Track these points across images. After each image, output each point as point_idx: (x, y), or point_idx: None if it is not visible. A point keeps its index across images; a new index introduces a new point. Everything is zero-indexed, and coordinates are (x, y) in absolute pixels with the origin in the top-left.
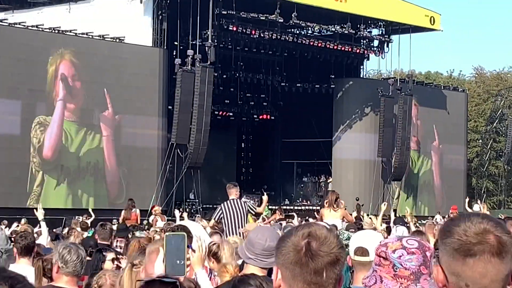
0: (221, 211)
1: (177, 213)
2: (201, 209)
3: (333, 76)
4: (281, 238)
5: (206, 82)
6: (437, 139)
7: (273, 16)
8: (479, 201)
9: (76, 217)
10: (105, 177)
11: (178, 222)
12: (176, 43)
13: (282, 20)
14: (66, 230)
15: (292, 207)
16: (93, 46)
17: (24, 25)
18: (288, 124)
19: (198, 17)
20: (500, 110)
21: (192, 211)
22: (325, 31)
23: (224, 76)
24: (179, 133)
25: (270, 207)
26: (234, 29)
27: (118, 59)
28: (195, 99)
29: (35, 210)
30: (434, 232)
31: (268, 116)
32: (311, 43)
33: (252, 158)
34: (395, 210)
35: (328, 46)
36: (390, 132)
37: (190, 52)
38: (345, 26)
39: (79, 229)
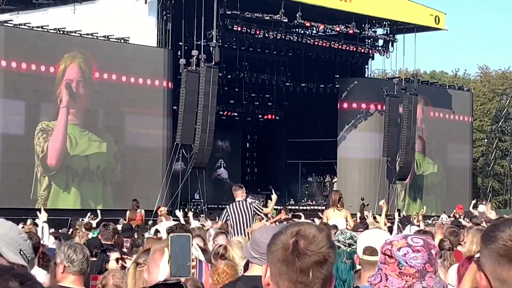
0: (227, 213)
1: (178, 213)
2: (206, 209)
3: (337, 76)
4: (273, 236)
5: (211, 82)
6: (442, 139)
7: (277, 16)
8: (484, 202)
9: (81, 218)
10: (111, 177)
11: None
12: (180, 43)
13: (286, 20)
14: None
15: (297, 207)
16: (98, 46)
17: (29, 26)
18: (293, 124)
19: (203, 17)
20: (506, 109)
21: (197, 211)
22: (329, 30)
23: (229, 76)
24: (184, 133)
25: (275, 207)
26: (239, 29)
27: (123, 60)
28: (200, 99)
29: (38, 212)
30: (444, 232)
31: (273, 116)
32: (316, 43)
33: (257, 158)
34: (399, 210)
35: (332, 45)
36: (395, 132)
37: (194, 52)
38: (350, 25)
39: (83, 229)
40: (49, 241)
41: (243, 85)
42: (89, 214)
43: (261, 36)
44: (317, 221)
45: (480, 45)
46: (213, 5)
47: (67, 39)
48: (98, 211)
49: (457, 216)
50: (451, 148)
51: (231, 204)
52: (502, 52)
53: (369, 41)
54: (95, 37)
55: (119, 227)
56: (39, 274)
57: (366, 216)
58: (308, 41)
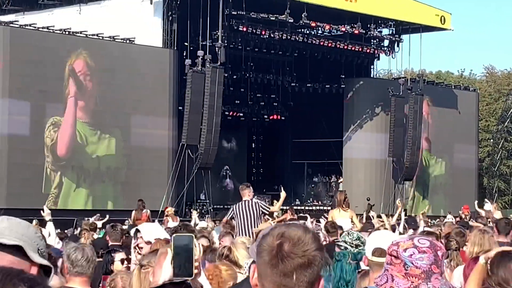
0: (233, 212)
1: (194, 213)
2: (211, 210)
3: (343, 76)
4: (260, 238)
5: (217, 83)
6: (449, 139)
7: (283, 16)
8: (489, 201)
9: (86, 218)
10: (117, 178)
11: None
12: (186, 43)
13: (292, 20)
14: (77, 231)
15: (303, 207)
16: (104, 47)
17: (35, 27)
18: (299, 124)
19: (208, 18)
20: (511, 109)
21: (203, 211)
22: (335, 31)
23: (234, 77)
24: (190, 134)
25: (281, 207)
26: (244, 29)
27: (128, 60)
28: (205, 99)
29: (41, 211)
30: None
31: (279, 116)
32: (321, 43)
33: (263, 158)
34: (405, 210)
35: (338, 46)
36: (401, 132)
37: (200, 52)
38: (355, 26)
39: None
40: (55, 240)
41: (249, 86)
42: (97, 215)
43: (267, 36)
44: (322, 221)
45: (486, 45)
46: (219, 5)
47: (72, 39)
48: (105, 212)
49: (463, 216)
50: (457, 149)
51: (237, 204)
52: (508, 52)
53: (375, 41)
54: (101, 37)
55: (125, 227)
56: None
57: (372, 216)
58: (314, 41)
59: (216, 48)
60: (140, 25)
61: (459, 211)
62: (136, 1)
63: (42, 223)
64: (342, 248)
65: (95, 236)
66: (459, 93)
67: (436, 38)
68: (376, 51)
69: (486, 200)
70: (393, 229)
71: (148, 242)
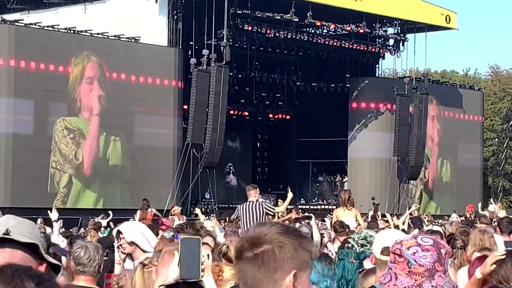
0: (238, 213)
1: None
2: (216, 209)
3: (348, 75)
4: None
5: (222, 82)
6: (453, 138)
7: (288, 15)
8: (493, 201)
9: (92, 218)
10: (122, 177)
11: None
12: (191, 42)
13: (297, 20)
14: (82, 230)
15: (308, 207)
16: (109, 46)
17: (40, 26)
18: (304, 124)
19: (213, 17)
20: None
21: (208, 210)
22: (340, 30)
23: (240, 76)
24: (195, 133)
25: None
26: (249, 28)
27: (133, 59)
28: (210, 98)
29: (49, 211)
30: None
31: (284, 116)
32: (327, 42)
33: (268, 157)
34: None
35: (343, 45)
36: (406, 131)
37: (205, 51)
38: (361, 25)
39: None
40: (59, 240)
41: (254, 85)
42: (102, 214)
43: (272, 35)
44: (327, 221)
45: (491, 44)
46: (224, 4)
47: (77, 38)
48: (110, 212)
49: (468, 215)
50: (461, 148)
51: (243, 204)
52: None
53: (380, 40)
54: (106, 36)
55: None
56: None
57: (378, 216)
58: (319, 41)
59: (221, 47)
60: (145, 24)
61: (465, 210)
62: (141, 0)
63: (46, 222)
64: (350, 245)
65: (100, 235)
66: (464, 92)
67: (441, 37)
68: (381, 50)
69: (490, 201)
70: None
71: (131, 243)
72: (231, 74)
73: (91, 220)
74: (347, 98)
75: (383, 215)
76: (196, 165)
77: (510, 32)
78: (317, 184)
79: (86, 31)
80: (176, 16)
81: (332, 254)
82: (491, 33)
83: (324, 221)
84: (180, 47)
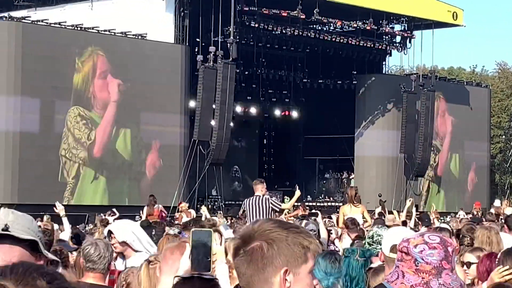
0: (244, 207)
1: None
2: (223, 206)
3: (355, 72)
4: None
5: (228, 79)
6: (461, 135)
7: (295, 12)
8: (501, 198)
9: (100, 214)
10: (130, 173)
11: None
12: (198, 39)
13: (304, 17)
14: (89, 226)
15: (314, 204)
16: (115, 43)
17: (47, 23)
18: (310, 120)
19: (220, 14)
20: None
21: (214, 207)
22: (347, 27)
23: (246, 73)
24: (201, 130)
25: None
26: (256, 25)
27: (140, 56)
28: (217, 95)
29: (54, 207)
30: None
31: (290, 113)
32: (333, 39)
33: (274, 154)
34: (416, 206)
35: (350, 42)
36: (413, 128)
37: (212, 48)
38: (367, 22)
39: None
40: (69, 236)
41: (261, 82)
42: (109, 211)
43: (279, 32)
44: (334, 218)
45: (498, 41)
46: (231, 1)
47: (84, 35)
48: (119, 208)
49: (475, 212)
50: (468, 145)
51: (249, 198)
52: None
53: (387, 37)
54: (113, 33)
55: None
56: None
57: (384, 213)
58: (326, 38)
59: (228, 44)
60: (152, 21)
61: (472, 207)
62: None
63: (53, 218)
64: (363, 243)
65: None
66: (471, 89)
67: (448, 34)
68: (388, 47)
69: (496, 198)
70: (404, 225)
71: (123, 243)
72: (237, 71)
73: (98, 216)
74: (353, 95)
75: (390, 212)
76: (203, 162)
77: None
78: (324, 181)
79: (93, 28)
80: (182, 13)
81: (339, 252)
82: (498, 30)
83: (331, 218)
84: (187, 44)
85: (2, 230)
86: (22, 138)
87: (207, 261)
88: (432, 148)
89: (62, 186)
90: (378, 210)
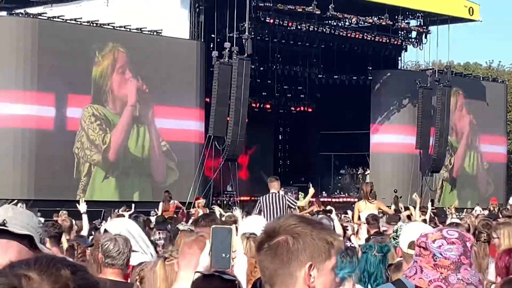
0: (260, 204)
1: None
2: (238, 201)
3: (370, 68)
4: None
5: (243, 75)
6: (477, 131)
7: (310, 8)
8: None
9: (115, 210)
10: (144, 169)
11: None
12: (213, 35)
13: (319, 12)
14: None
15: (329, 199)
16: (131, 39)
17: (63, 19)
18: (326, 116)
19: (235, 10)
20: None
21: (229, 203)
22: (362, 22)
23: (261, 69)
24: (217, 126)
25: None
26: (271, 21)
27: (155, 52)
28: (232, 91)
29: (77, 204)
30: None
31: (306, 108)
32: (349, 35)
33: (290, 150)
34: (432, 201)
35: (365, 37)
36: (428, 124)
37: (227, 44)
38: (383, 17)
39: None
40: (87, 234)
41: (276, 77)
42: (124, 207)
43: (294, 28)
44: (350, 213)
45: None
46: None
47: (100, 31)
48: (132, 204)
49: (491, 208)
50: (485, 140)
51: (264, 196)
52: None
53: (402, 32)
54: (128, 29)
55: (152, 219)
56: None
57: (401, 208)
58: (341, 33)
59: (243, 40)
60: (167, 17)
61: (489, 203)
62: None
63: (69, 213)
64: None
65: None
66: (487, 85)
67: (464, 29)
68: (403, 43)
69: None
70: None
71: None
72: (253, 67)
73: (115, 212)
74: (369, 90)
75: (406, 208)
76: (218, 158)
77: None
78: (339, 177)
79: (108, 24)
80: (198, 9)
81: (354, 247)
82: None
83: (346, 213)
84: (202, 40)
85: (0, 225)
86: (38, 134)
87: (227, 258)
88: (448, 148)
89: (77, 182)
90: (394, 206)
